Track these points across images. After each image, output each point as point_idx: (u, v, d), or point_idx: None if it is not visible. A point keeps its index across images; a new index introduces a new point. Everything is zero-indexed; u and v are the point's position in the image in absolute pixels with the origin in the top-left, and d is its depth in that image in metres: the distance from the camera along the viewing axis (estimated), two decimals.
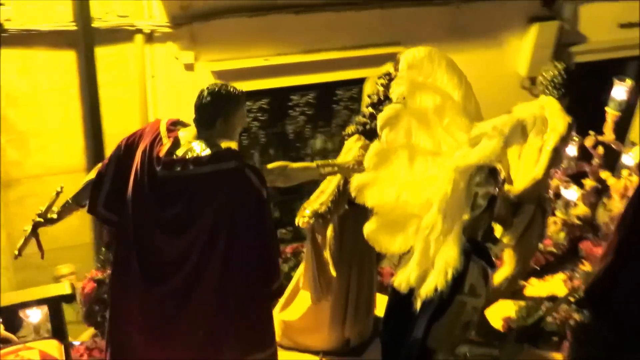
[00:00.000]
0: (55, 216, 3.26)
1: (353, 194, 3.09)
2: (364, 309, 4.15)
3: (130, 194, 3.06)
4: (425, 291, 2.79)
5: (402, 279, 2.86)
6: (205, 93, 3.02)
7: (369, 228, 3.05)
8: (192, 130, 3.08)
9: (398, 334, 3.11)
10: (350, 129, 3.73)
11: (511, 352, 3.86)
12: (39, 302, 3.78)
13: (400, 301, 2.98)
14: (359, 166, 3.32)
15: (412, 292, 2.87)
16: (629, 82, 5.14)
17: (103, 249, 4.47)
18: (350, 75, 6.09)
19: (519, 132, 2.86)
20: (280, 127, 6.26)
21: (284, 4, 5.60)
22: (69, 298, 3.66)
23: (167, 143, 3.02)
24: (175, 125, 3.13)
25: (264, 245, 3.16)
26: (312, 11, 5.69)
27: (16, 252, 3.28)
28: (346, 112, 6.33)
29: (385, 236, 3.06)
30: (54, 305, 3.62)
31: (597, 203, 5.23)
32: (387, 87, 3.52)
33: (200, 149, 3.00)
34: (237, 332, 3.22)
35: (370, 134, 3.49)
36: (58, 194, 3.31)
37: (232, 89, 3.05)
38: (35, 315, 4.10)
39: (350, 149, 3.69)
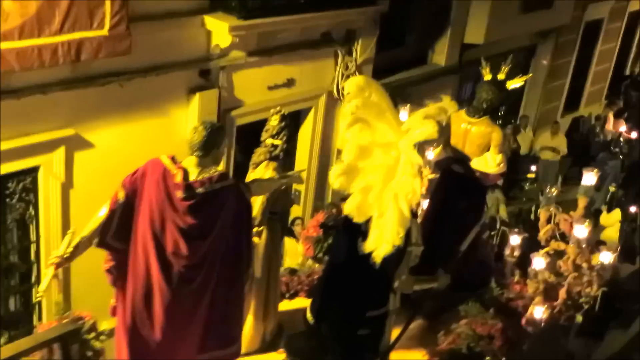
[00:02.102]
0: (69, 255, 3.84)
1: (335, 186, 4.06)
2: (276, 304, 5.15)
3: (149, 219, 3.83)
4: (388, 249, 3.90)
5: (385, 242, 3.90)
6: (206, 129, 3.89)
7: (350, 205, 4.03)
8: (189, 160, 3.92)
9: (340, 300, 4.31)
10: (258, 159, 4.74)
11: (443, 281, 5.02)
12: (51, 342, 4.11)
13: (339, 275, 4.35)
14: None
15: (354, 263, 4.12)
16: None
17: None
18: (22, 165, 5.89)
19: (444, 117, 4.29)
20: None
21: None
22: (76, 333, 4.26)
23: (178, 172, 3.87)
24: (174, 160, 3.94)
25: (248, 241, 4.23)
26: None
27: (41, 293, 3.90)
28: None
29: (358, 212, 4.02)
30: (64, 342, 4.10)
31: None
32: (282, 121, 4.72)
33: (208, 173, 3.89)
34: (228, 321, 4.20)
35: (275, 159, 4.69)
36: (72, 234, 3.91)
37: (219, 125, 4.12)
38: None
39: (264, 173, 4.68)
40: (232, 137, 7.54)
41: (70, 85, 5.88)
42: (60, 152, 6.07)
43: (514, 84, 5.46)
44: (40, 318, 6.40)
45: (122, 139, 6.52)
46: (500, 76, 5.41)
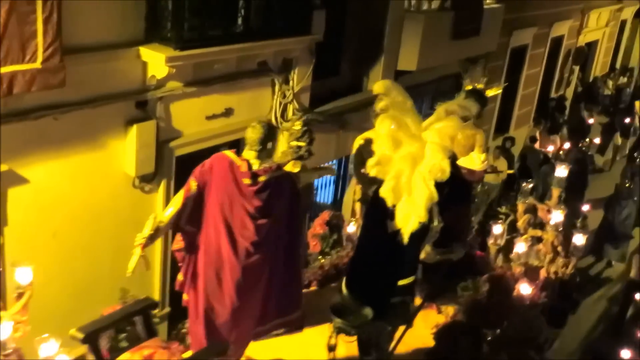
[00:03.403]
0: (151, 238, 4.48)
1: (372, 174, 4.68)
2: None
3: (220, 204, 4.58)
4: (415, 226, 4.59)
5: (413, 219, 4.59)
6: (263, 127, 4.71)
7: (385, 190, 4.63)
8: (249, 154, 4.72)
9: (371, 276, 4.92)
10: (285, 159, 5.28)
11: (458, 252, 5.76)
12: (134, 314, 4.76)
13: (371, 251, 5.00)
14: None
15: (384, 239, 4.78)
16: None
17: None
18: None
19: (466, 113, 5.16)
20: None
21: None
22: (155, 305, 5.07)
23: (243, 163, 4.65)
24: (237, 153, 4.75)
25: (300, 222, 5.07)
26: None
27: (130, 270, 4.54)
28: None
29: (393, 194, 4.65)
30: (146, 314, 4.76)
31: None
32: (304, 126, 5.40)
33: (267, 163, 4.63)
34: (288, 292, 5.02)
35: (300, 158, 5.38)
36: (154, 218, 4.56)
37: (272, 124, 5.16)
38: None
39: (293, 170, 5.23)
40: (171, 168, 7.48)
41: (2, 120, 5.72)
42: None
43: (492, 92, 6.51)
44: None
45: (57, 174, 6.38)
46: (479, 86, 6.38)
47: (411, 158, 4.73)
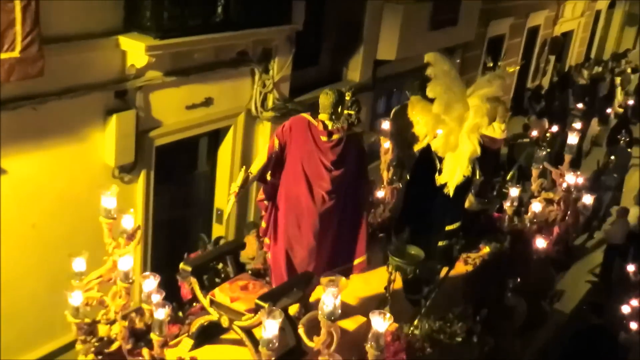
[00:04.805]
0: (242, 186, 5.15)
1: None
2: None
3: (300, 159, 5.34)
4: (459, 179, 5.60)
5: (458, 173, 5.63)
6: (334, 93, 5.34)
7: (437, 144, 5.67)
8: (322, 116, 5.38)
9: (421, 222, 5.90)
10: (341, 125, 5.47)
11: (494, 204, 7.18)
12: (227, 253, 5.58)
13: (420, 201, 5.93)
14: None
15: (432, 191, 5.73)
16: None
17: None
18: None
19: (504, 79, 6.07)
20: None
21: None
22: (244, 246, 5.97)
23: (319, 124, 5.37)
24: (312, 115, 5.42)
25: (366, 175, 5.77)
26: None
27: (226, 216, 5.80)
28: None
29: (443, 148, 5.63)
30: (235, 254, 5.66)
31: None
32: (352, 96, 5.53)
33: (339, 124, 5.37)
34: (354, 237, 5.70)
35: (352, 124, 5.55)
36: (246, 169, 5.21)
37: (341, 90, 5.46)
38: None
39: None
40: (151, 158, 7.45)
41: None
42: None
43: (511, 69, 7.67)
44: None
45: (36, 164, 6.34)
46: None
47: (459, 118, 5.57)
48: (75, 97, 6.40)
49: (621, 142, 14.33)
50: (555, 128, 13.58)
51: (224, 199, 8.70)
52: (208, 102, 7.89)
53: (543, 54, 18.11)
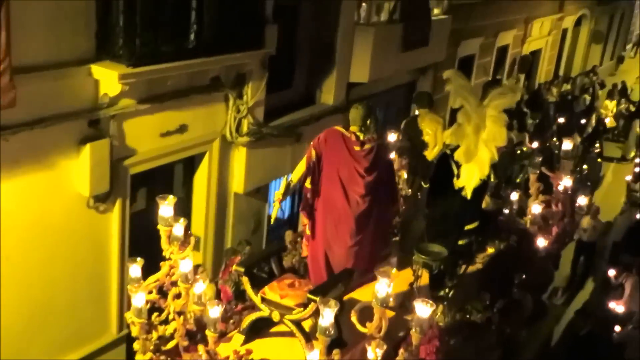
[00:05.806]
0: (284, 194, 5.87)
1: (448, 141, 6.47)
2: None
3: (336, 167, 5.94)
4: (477, 182, 6.22)
5: (476, 177, 6.25)
6: (364, 107, 6.04)
7: (460, 153, 6.24)
8: (353, 128, 6.00)
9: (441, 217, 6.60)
10: (371, 135, 6.09)
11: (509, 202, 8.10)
12: (271, 255, 5.92)
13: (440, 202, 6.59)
14: None
15: (450, 194, 6.37)
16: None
17: None
18: None
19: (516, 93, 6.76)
20: None
21: None
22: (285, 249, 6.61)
23: (351, 135, 5.99)
24: (345, 128, 6.03)
25: (394, 181, 6.63)
26: None
27: (273, 218, 6.08)
28: None
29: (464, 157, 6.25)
30: (279, 254, 6.06)
31: None
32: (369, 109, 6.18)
33: (370, 134, 6.02)
34: (384, 234, 6.48)
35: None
36: (287, 179, 5.94)
37: (370, 104, 6.25)
38: None
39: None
40: (126, 186, 7.38)
41: None
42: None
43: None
44: None
45: (9, 195, 6.24)
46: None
47: (477, 128, 6.16)
48: (48, 126, 6.32)
49: (593, 153, 15.43)
50: (535, 144, 13.91)
51: (201, 225, 8.66)
52: (182, 128, 7.85)
53: (513, 72, 18.37)
